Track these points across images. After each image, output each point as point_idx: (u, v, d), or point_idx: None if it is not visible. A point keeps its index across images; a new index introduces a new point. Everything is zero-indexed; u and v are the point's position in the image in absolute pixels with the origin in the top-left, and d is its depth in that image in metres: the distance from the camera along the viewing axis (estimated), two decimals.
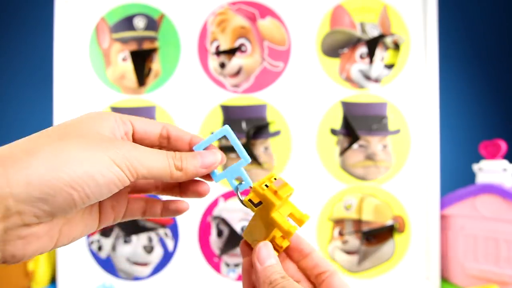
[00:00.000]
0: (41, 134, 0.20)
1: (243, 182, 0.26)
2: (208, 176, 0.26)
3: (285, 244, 0.26)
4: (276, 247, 0.25)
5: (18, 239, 0.18)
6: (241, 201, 0.25)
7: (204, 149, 0.24)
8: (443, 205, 0.57)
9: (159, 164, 0.22)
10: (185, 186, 0.27)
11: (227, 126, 0.25)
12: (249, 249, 0.27)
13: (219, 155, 0.24)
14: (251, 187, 0.25)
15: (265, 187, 0.24)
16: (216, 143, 0.57)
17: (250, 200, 0.25)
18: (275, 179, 0.24)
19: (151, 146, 0.24)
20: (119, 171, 0.20)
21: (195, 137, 0.25)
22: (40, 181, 0.18)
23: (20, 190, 0.17)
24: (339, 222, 0.58)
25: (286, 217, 0.25)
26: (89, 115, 0.22)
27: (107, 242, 0.58)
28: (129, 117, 0.24)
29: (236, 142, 0.25)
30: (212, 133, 0.25)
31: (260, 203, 0.24)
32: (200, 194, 0.26)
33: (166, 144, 0.25)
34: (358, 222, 0.58)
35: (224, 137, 0.25)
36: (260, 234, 0.25)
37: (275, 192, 0.23)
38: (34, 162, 0.18)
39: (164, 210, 0.27)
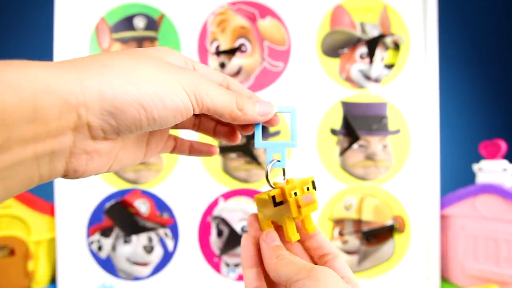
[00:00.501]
0: (112, 52, 0.20)
1: (279, 161, 0.26)
2: (247, 129, 0.27)
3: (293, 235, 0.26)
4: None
5: (83, 153, 0.18)
6: (267, 177, 0.26)
7: None
8: (443, 205, 0.57)
9: (224, 99, 0.22)
10: (219, 130, 0.28)
11: (295, 107, 0.26)
12: (256, 222, 0.28)
13: (275, 108, 0.25)
14: (283, 169, 0.27)
15: (293, 195, 0.24)
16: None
17: (273, 197, 0.25)
18: (308, 189, 0.25)
19: None
20: (186, 98, 0.20)
21: (254, 96, 0.26)
22: (113, 94, 0.17)
23: (93, 99, 0.17)
24: (339, 222, 0.58)
25: (296, 222, 0.26)
26: (156, 47, 0.22)
27: (107, 242, 0.58)
28: (192, 61, 0.24)
29: (295, 124, 0.26)
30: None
31: (281, 202, 0.25)
32: (232, 140, 0.28)
33: None
34: (358, 222, 0.58)
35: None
36: (270, 214, 0.26)
37: (299, 207, 0.24)
38: (108, 75, 0.17)
39: (193, 150, 0.29)
